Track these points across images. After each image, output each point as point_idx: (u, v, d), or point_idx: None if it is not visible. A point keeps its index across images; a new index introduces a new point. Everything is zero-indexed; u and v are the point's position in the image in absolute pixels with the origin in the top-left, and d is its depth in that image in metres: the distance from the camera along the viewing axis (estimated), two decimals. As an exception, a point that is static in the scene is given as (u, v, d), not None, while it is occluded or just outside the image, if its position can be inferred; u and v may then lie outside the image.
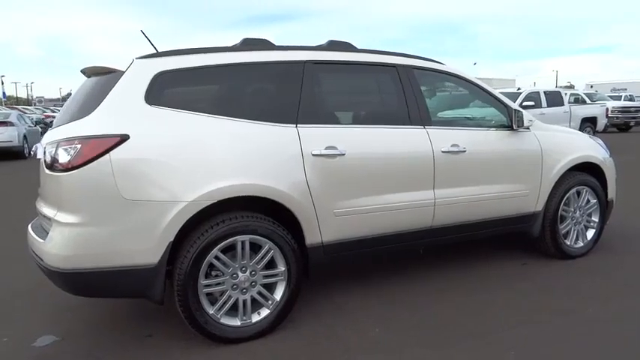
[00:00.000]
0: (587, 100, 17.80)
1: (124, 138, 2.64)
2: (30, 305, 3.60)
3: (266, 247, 2.93)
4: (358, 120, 3.32)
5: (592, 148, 4.32)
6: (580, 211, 4.26)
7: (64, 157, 2.63)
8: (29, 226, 3.23)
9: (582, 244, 4.29)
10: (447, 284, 3.74)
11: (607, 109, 16.01)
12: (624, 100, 24.65)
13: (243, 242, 2.87)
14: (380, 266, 4.14)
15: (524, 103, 12.02)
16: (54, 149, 2.69)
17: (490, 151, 3.76)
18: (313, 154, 3.04)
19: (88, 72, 3.20)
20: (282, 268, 2.99)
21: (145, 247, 2.67)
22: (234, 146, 2.89)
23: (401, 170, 3.37)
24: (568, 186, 4.13)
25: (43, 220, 2.94)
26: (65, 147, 2.64)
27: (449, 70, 3.83)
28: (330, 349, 2.83)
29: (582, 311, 3.21)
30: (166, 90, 2.86)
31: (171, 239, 2.70)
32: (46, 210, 2.84)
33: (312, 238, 3.09)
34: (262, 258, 2.93)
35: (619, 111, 19.85)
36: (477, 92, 3.95)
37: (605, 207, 4.39)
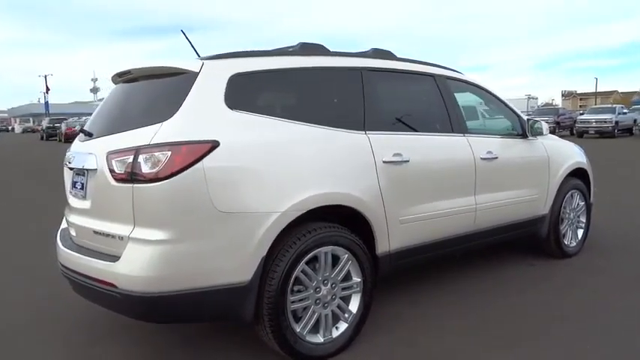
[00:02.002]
0: (487, 115, 19.47)
1: (215, 144, 2.40)
2: (37, 340, 3.10)
3: (345, 258, 2.82)
4: (412, 127, 3.33)
5: (580, 155, 4.74)
6: (573, 212, 4.64)
7: (148, 167, 2.33)
8: (63, 248, 2.81)
9: (575, 244, 4.66)
10: (475, 287, 3.83)
11: (511, 123, 17.64)
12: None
13: (325, 254, 2.74)
14: (405, 272, 4.15)
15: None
16: (131, 158, 2.37)
17: (514, 157, 3.97)
18: (384, 161, 3.00)
19: (136, 74, 2.86)
20: (357, 279, 2.89)
21: (237, 263, 2.44)
22: (317, 153, 2.76)
23: (452, 176, 3.45)
24: (566, 190, 4.48)
25: (98, 239, 2.55)
26: (149, 155, 2.34)
27: (471, 80, 4.00)
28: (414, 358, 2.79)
29: (619, 304, 3.46)
30: (242, 93, 2.66)
31: (264, 254, 2.50)
32: (109, 227, 2.48)
33: (382, 246, 3.03)
34: (341, 269, 2.82)
35: (515, 125, 21.91)
36: (494, 102, 4.17)
37: (590, 209, 4.83)
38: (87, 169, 2.69)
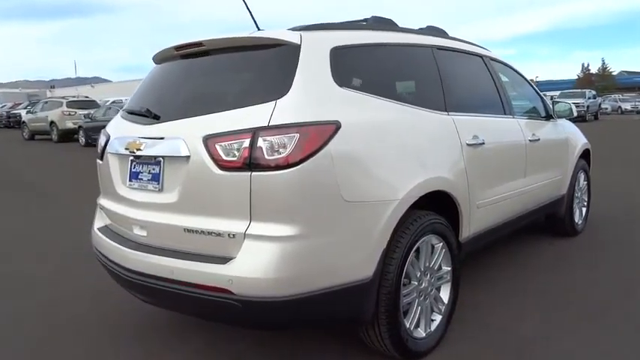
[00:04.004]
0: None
1: (338, 125, 2.13)
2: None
3: (439, 247, 2.67)
4: (478, 109, 3.22)
5: (584, 137, 4.92)
6: (580, 192, 4.83)
7: (271, 152, 2.00)
8: (128, 250, 2.39)
9: (581, 222, 4.86)
10: (523, 270, 3.84)
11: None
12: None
13: (426, 243, 2.57)
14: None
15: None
16: (246, 142, 2.02)
17: (548, 139, 4.02)
18: (467, 144, 2.87)
19: (210, 46, 2.45)
20: (447, 268, 2.76)
21: (361, 257, 2.20)
22: (420, 135, 2.58)
23: (512, 158, 3.42)
24: (577, 170, 4.63)
25: (192, 238, 2.17)
26: (271, 138, 2.01)
27: (505, 61, 3.97)
28: (510, 344, 2.71)
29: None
30: (344, 68, 2.37)
31: (384, 246, 2.27)
32: (211, 223, 2.11)
33: (465, 232, 2.92)
34: (437, 259, 2.67)
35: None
36: (523, 84, 4.18)
37: (590, 188, 5.05)
38: (166, 157, 2.29)
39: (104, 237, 2.65)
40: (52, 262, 4.34)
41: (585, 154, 4.84)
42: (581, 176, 4.81)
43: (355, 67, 2.47)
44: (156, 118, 2.42)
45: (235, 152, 2.04)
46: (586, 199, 4.98)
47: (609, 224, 5.13)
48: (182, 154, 2.19)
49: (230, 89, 2.37)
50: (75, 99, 20.32)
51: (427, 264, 2.59)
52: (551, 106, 4.26)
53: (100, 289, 3.52)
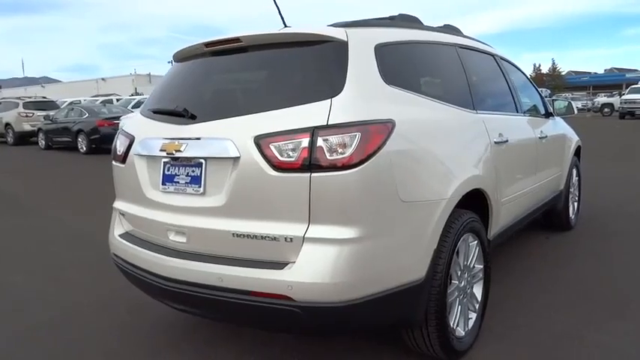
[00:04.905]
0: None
1: (393, 124, 2.08)
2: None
3: (474, 245, 2.67)
4: (497, 107, 3.24)
5: (576, 134, 5.07)
6: (573, 187, 4.97)
7: (331, 152, 1.93)
8: (167, 257, 2.26)
9: (574, 216, 5.01)
10: (524, 269, 3.90)
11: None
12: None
13: (465, 242, 2.56)
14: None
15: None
16: (305, 141, 1.94)
17: (552, 136, 4.10)
18: (495, 142, 2.89)
19: (248, 42, 2.35)
20: (480, 266, 2.76)
21: (417, 258, 2.17)
22: (461, 134, 2.59)
23: (528, 156, 3.48)
24: (572, 166, 4.77)
25: (243, 243, 2.07)
26: (331, 137, 1.94)
27: (511, 60, 4.03)
28: (544, 341, 2.75)
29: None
30: (389, 66, 2.33)
31: (435, 246, 2.25)
32: (264, 227, 2.02)
33: (493, 230, 2.94)
34: (473, 257, 2.67)
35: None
36: (527, 83, 4.25)
37: (581, 183, 5.21)
38: (209, 158, 2.17)
39: (129, 244, 2.51)
40: (37, 273, 4.09)
41: (577, 151, 4.99)
42: (574, 172, 4.95)
43: (397, 65, 2.43)
44: (192, 118, 2.30)
45: (291, 152, 1.96)
46: (577, 194, 5.13)
47: (597, 216, 5.32)
48: (230, 155, 2.08)
49: (275, 87, 2.28)
50: (32, 99, 19.37)
51: (465, 262, 2.59)
52: (549, 104, 4.36)
53: (102, 300, 3.36)
